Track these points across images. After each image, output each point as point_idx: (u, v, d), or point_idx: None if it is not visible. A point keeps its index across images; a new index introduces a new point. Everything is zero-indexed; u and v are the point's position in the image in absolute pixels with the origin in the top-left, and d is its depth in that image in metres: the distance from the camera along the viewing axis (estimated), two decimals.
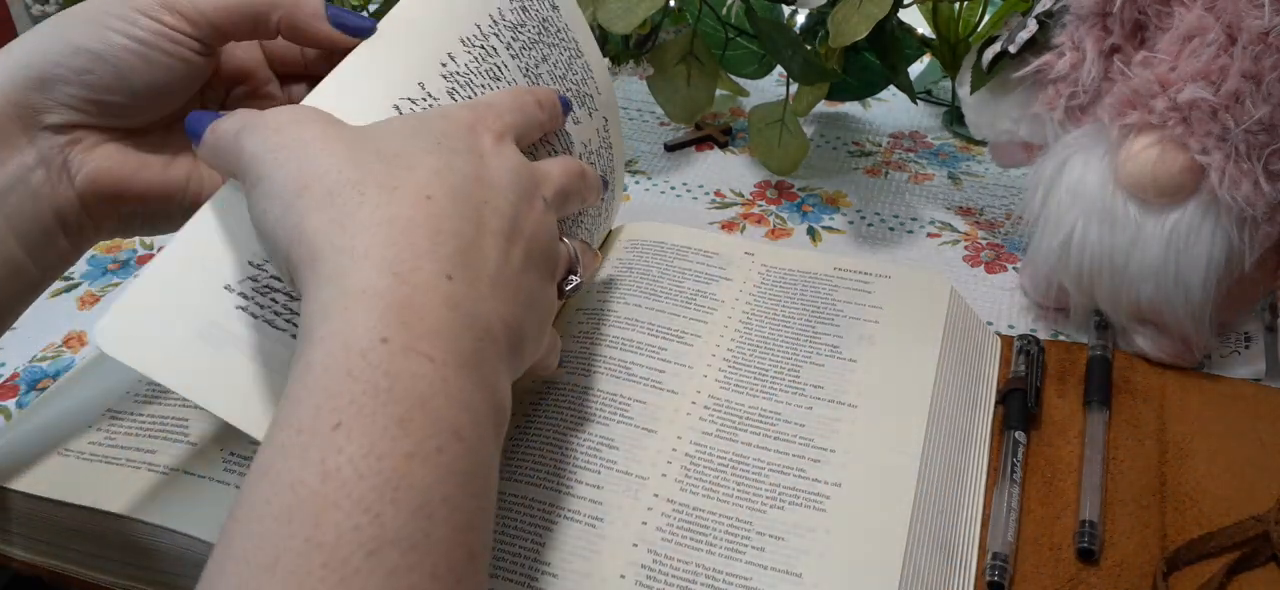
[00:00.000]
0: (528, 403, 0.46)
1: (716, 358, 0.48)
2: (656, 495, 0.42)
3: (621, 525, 0.41)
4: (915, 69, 0.77)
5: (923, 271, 0.54)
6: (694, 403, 0.46)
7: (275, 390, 0.34)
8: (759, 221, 0.64)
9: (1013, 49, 0.51)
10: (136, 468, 0.41)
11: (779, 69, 0.71)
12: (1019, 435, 0.46)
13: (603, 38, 0.67)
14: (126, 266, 0.62)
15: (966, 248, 0.61)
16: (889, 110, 0.77)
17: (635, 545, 0.40)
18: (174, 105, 0.41)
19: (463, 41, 0.41)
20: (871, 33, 0.55)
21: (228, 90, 0.44)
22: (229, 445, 0.42)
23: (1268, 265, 0.48)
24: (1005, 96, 0.53)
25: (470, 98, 0.41)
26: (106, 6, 0.38)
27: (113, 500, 0.40)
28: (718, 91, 0.72)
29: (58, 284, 0.60)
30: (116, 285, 0.60)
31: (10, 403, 0.52)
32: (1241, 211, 0.45)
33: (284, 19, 0.39)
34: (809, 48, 0.66)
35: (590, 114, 0.48)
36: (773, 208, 0.66)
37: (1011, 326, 0.55)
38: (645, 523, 0.41)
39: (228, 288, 0.35)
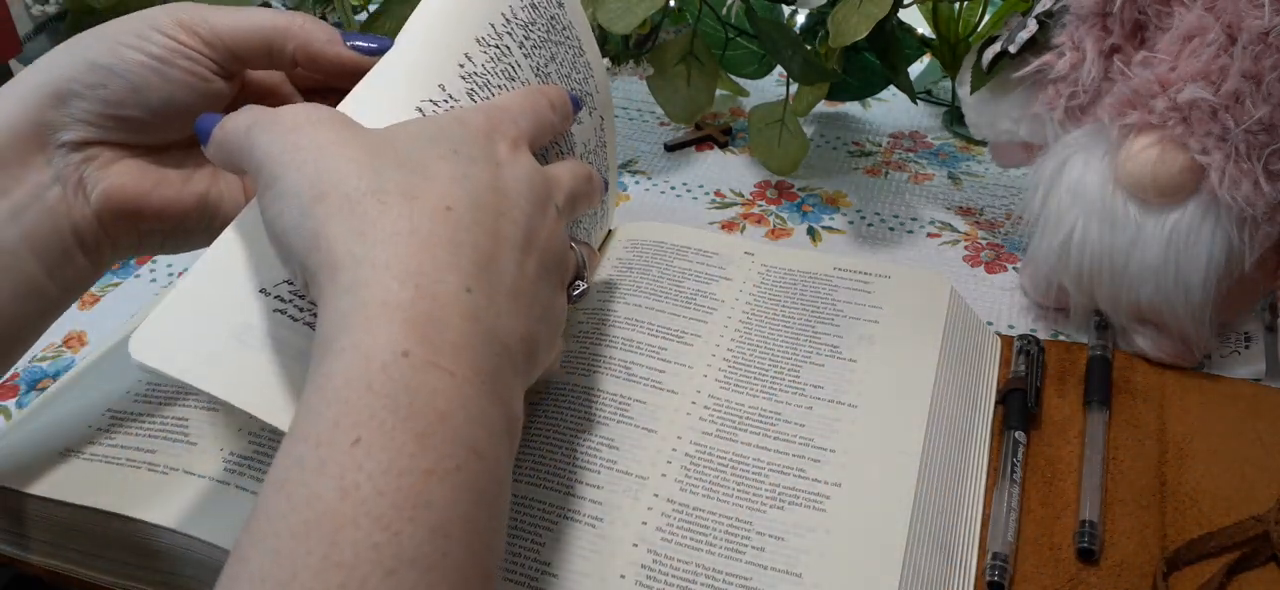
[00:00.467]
0: (528, 402, 0.46)
1: (716, 358, 0.48)
2: (656, 495, 0.42)
3: (621, 525, 0.41)
4: (915, 69, 0.77)
5: (923, 271, 0.54)
6: (694, 403, 0.46)
7: None
8: (759, 221, 0.64)
9: (1013, 49, 0.51)
10: (136, 468, 0.41)
11: (779, 69, 0.71)
12: (1019, 435, 0.46)
13: (603, 38, 0.67)
14: (126, 266, 0.62)
15: (966, 248, 0.61)
16: (889, 110, 0.77)
17: (635, 545, 0.40)
18: (191, 124, 0.40)
19: (478, 41, 0.41)
20: (871, 33, 0.55)
21: None
22: (229, 445, 0.42)
23: (1268, 265, 0.48)
24: (1005, 96, 0.53)
25: (488, 98, 0.41)
26: (122, 25, 0.38)
27: (113, 500, 0.40)
28: (718, 91, 0.72)
29: None
30: (117, 285, 0.60)
31: (10, 403, 0.52)
32: (1241, 211, 0.45)
33: (299, 50, 0.39)
34: (809, 48, 0.66)
35: (589, 113, 0.48)
36: (773, 208, 0.66)
37: (1011, 326, 0.55)
38: (645, 523, 0.41)
39: (263, 291, 0.34)
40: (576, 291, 0.39)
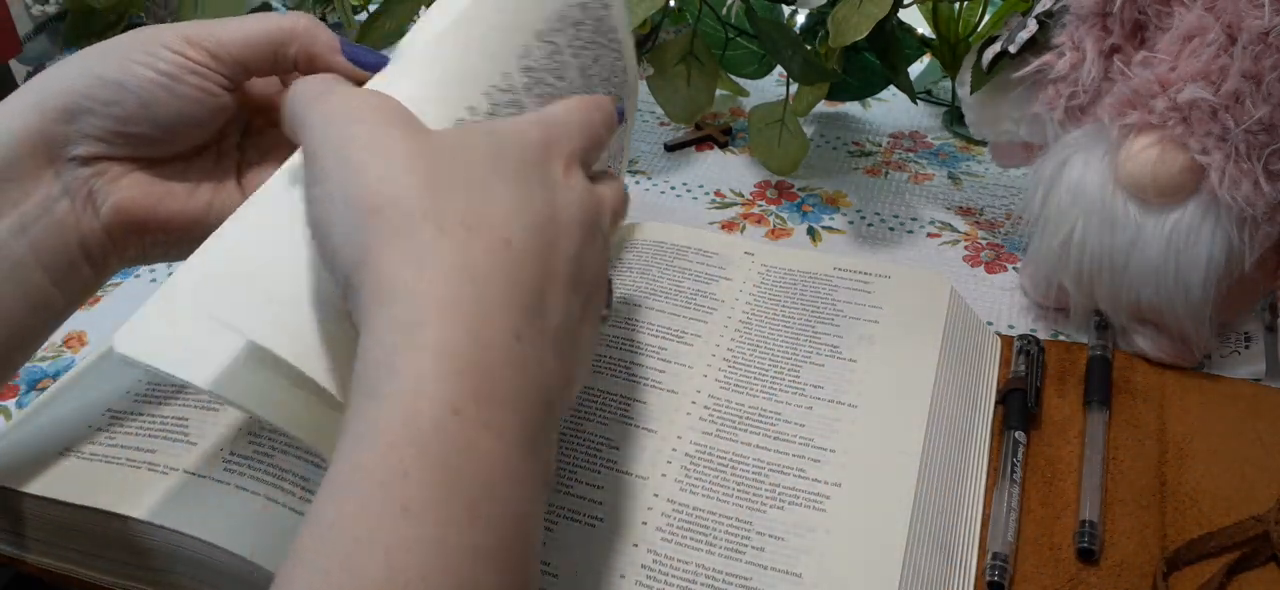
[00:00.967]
0: None
1: (716, 357, 0.48)
2: (656, 495, 0.42)
3: (622, 525, 0.41)
4: (915, 69, 0.77)
5: (923, 271, 0.54)
6: (694, 402, 0.46)
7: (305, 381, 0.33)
8: (759, 221, 0.64)
9: (1013, 49, 0.51)
10: (137, 467, 0.41)
11: (779, 69, 0.71)
12: (1019, 435, 0.46)
13: None
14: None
15: (966, 248, 0.61)
16: (889, 110, 0.77)
17: (635, 545, 0.40)
18: (198, 138, 0.40)
19: (537, 35, 0.40)
20: (871, 33, 0.55)
21: (251, 121, 0.43)
22: (229, 445, 0.42)
23: (1268, 265, 0.48)
24: (1005, 96, 0.53)
25: (542, 96, 0.40)
26: (131, 40, 0.38)
27: (112, 500, 0.40)
28: (718, 91, 0.72)
29: None
30: (117, 285, 0.60)
31: (10, 403, 0.52)
32: (1241, 211, 0.45)
33: (301, 52, 0.39)
34: (809, 48, 0.66)
35: (621, 120, 0.47)
36: (773, 208, 0.66)
37: (1011, 326, 0.55)
38: (645, 523, 0.41)
39: (255, 288, 0.33)
40: (604, 315, 0.38)
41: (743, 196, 0.67)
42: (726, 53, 0.72)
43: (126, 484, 0.41)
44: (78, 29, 0.80)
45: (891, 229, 0.63)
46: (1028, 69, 0.51)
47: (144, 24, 0.83)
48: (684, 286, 0.52)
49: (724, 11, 0.69)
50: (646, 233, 0.56)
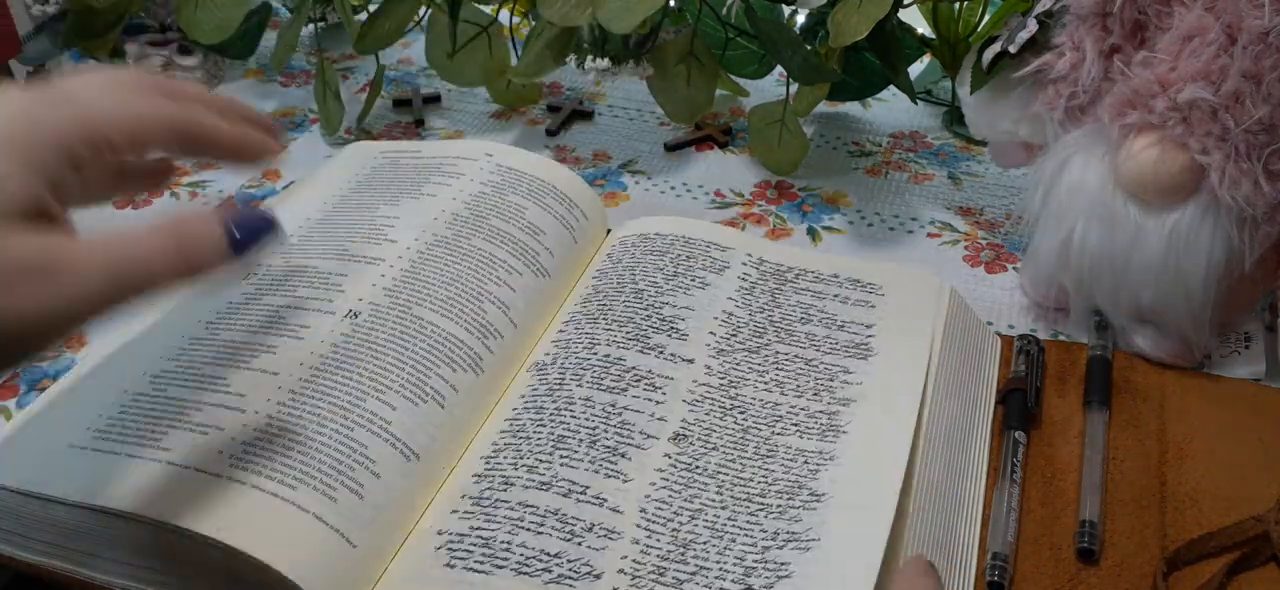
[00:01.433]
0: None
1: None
2: (649, 498, 0.42)
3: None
4: (915, 69, 0.77)
5: (923, 271, 0.54)
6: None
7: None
8: (759, 221, 0.64)
9: (1013, 49, 0.51)
10: (138, 466, 0.41)
11: (779, 69, 0.71)
12: (1019, 435, 0.46)
13: (603, 38, 0.67)
14: None
15: (966, 248, 0.61)
16: (889, 110, 0.77)
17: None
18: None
19: None
20: (871, 33, 0.55)
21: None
22: (230, 446, 0.42)
23: (1268, 265, 0.48)
24: (1005, 96, 0.53)
25: None
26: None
27: (114, 498, 0.40)
28: (718, 91, 0.72)
29: None
30: None
31: (10, 403, 0.52)
32: (1241, 211, 0.45)
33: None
34: (809, 48, 0.66)
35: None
36: (773, 208, 0.66)
37: (1011, 326, 0.55)
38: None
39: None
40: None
41: (743, 196, 0.67)
42: (726, 53, 0.72)
43: (127, 482, 0.40)
44: (78, 29, 0.80)
45: (891, 229, 0.63)
46: (1028, 69, 0.51)
47: (144, 24, 0.83)
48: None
49: (724, 11, 0.69)
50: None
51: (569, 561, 0.39)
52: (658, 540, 0.40)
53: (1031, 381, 0.48)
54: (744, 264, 0.54)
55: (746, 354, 0.48)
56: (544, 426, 0.44)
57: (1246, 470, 0.45)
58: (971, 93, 0.55)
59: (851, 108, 0.77)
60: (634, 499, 0.41)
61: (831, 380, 0.47)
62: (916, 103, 0.70)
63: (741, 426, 0.45)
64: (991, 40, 0.53)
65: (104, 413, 0.44)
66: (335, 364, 0.45)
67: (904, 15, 0.67)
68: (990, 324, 0.54)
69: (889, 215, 0.64)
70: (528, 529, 0.40)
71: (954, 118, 0.74)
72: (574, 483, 0.42)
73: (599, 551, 0.39)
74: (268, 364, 0.45)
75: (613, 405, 0.45)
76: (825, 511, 0.41)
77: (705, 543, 0.39)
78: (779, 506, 0.41)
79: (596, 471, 0.42)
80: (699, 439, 0.44)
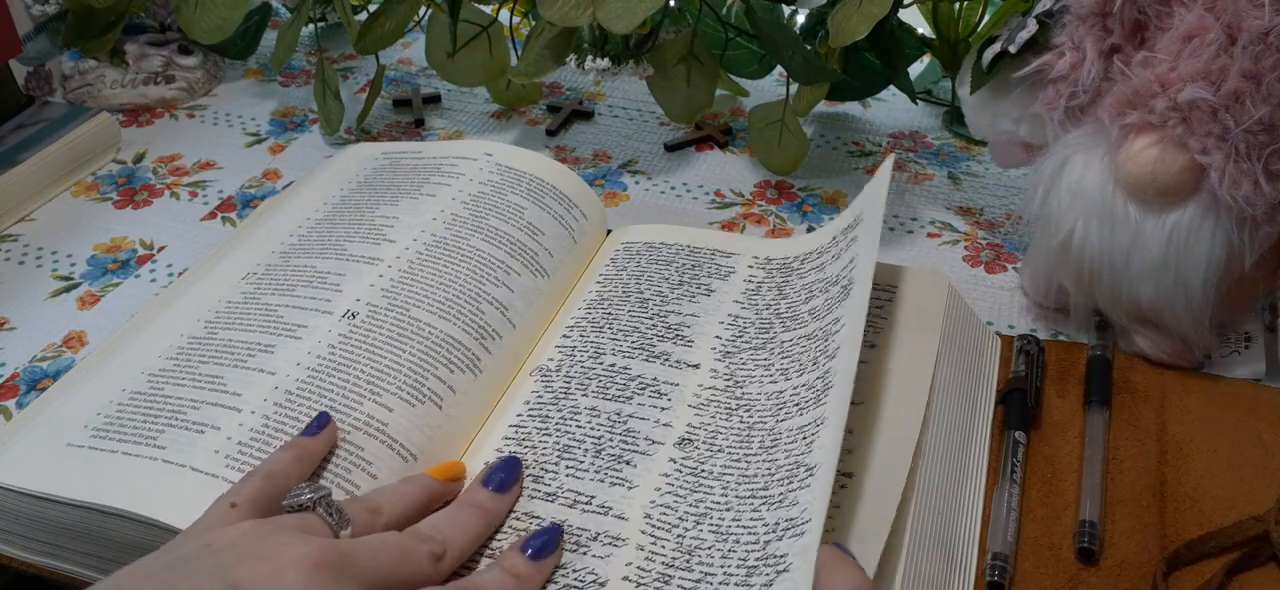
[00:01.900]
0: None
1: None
2: (654, 504, 0.42)
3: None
4: (915, 69, 0.77)
5: (922, 271, 0.54)
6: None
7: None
8: (759, 221, 0.64)
9: (1013, 49, 0.51)
10: (139, 465, 0.41)
11: (779, 69, 0.71)
12: (1019, 435, 0.46)
13: (603, 38, 0.67)
14: (126, 266, 0.62)
15: (966, 248, 0.61)
16: (889, 110, 0.77)
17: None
18: None
19: None
20: (871, 33, 0.55)
21: None
22: (229, 446, 0.42)
23: (1268, 265, 0.48)
24: (1005, 96, 0.53)
25: None
26: None
27: (114, 498, 0.40)
28: (718, 91, 0.72)
29: (57, 284, 0.60)
30: (117, 285, 0.60)
31: (10, 403, 0.52)
32: (1241, 211, 0.45)
33: None
34: (809, 48, 0.66)
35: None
36: (773, 208, 0.66)
37: (1011, 326, 0.55)
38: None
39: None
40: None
41: (743, 196, 0.67)
42: (726, 53, 0.72)
43: (127, 482, 0.40)
44: (78, 29, 0.80)
45: (891, 229, 0.63)
46: (1028, 69, 0.51)
47: (144, 24, 0.83)
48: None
49: (724, 11, 0.69)
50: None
51: (574, 572, 0.39)
52: (662, 546, 0.40)
53: (1031, 381, 0.48)
54: (750, 266, 0.54)
55: (752, 352, 0.48)
56: (549, 436, 0.44)
57: (1246, 470, 0.44)
58: (971, 93, 0.55)
59: (851, 108, 0.77)
60: (639, 506, 0.41)
61: (826, 341, 0.46)
62: (916, 103, 0.70)
63: (747, 424, 0.45)
64: (991, 40, 0.53)
65: (102, 412, 0.44)
66: (332, 365, 0.45)
67: (904, 15, 0.67)
68: (990, 324, 0.54)
69: (889, 215, 0.64)
70: None
71: (954, 118, 0.74)
72: (579, 493, 0.42)
73: (604, 560, 0.39)
74: (265, 364, 0.45)
75: (618, 413, 0.45)
76: (816, 486, 0.40)
77: (710, 547, 0.39)
78: (779, 495, 0.41)
79: (602, 480, 0.42)
80: (704, 442, 0.44)
